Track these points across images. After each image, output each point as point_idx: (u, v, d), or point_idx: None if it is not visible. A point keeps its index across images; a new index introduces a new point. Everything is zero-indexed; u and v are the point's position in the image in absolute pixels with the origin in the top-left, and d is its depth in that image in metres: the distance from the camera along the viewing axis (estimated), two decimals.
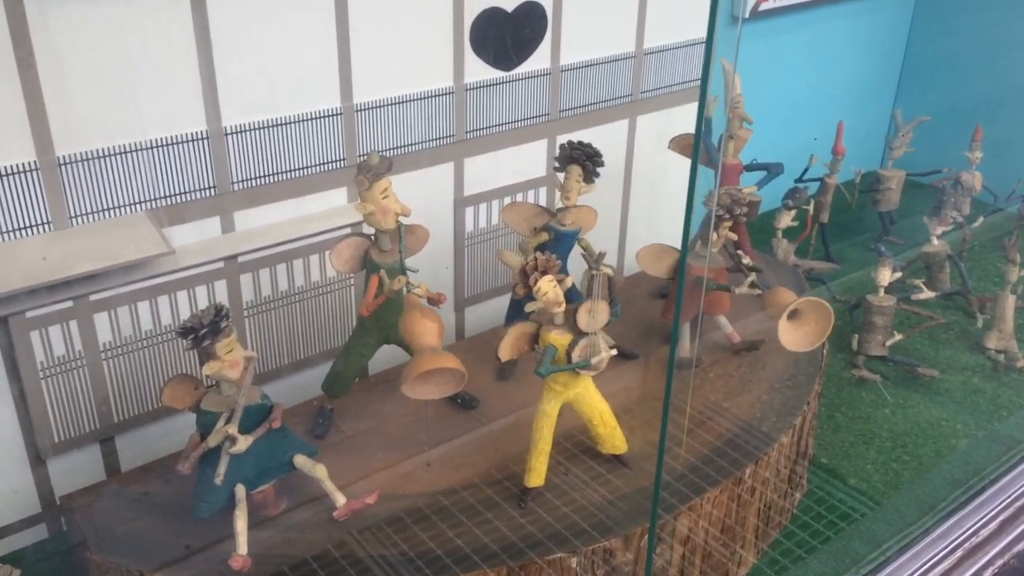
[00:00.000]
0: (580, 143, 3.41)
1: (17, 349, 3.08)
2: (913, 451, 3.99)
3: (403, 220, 3.09)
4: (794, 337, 3.26)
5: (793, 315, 3.23)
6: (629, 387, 3.58)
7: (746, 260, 3.60)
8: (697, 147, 1.94)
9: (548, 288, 2.81)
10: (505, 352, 2.92)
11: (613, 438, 3.14)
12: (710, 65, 1.91)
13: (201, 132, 3.22)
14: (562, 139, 4.08)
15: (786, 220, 4.89)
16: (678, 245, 3.90)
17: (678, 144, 4.10)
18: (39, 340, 3.12)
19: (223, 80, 3.19)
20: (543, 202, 4.27)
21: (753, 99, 4.11)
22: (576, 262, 3.50)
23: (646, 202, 4.75)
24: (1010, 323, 4.57)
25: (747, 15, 4.65)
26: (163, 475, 3.13)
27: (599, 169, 3.44)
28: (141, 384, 3.39)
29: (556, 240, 3.44)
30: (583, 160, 3.38)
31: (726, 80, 3.87)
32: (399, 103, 3.66)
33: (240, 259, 3.44)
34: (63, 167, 3.00)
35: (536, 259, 2.84)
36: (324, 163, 3.55)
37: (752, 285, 3.49)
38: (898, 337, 4.42)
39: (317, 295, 3.72)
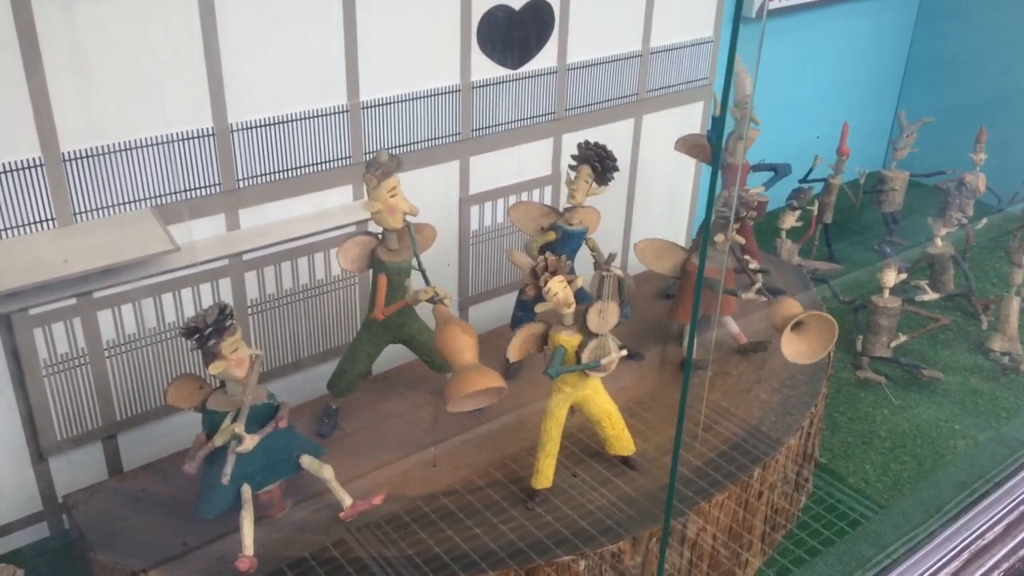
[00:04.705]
0: (596, 144, 3.39)
1: (20, 346, 3.06)
2: (913, 452, 3.99)
3: (410, 219, 3.07)
4: (797, 349, 3.25)
5: (797, 327, 3.22)
6: (632, 388, 3.57)
7: (753, 264, 3.58)
8: (718, 149, 1.92)
9: (558, 289, 2.80)
10: (514, 353, 2.91)
11: (621, 440, 3.13)
12: (732, 65, 1.89)
13: (207, 129, 3.19)
14: (568, 138, 4.07)
15: (790, 220, 4.89)
16: (682, 243, 3.89)
17: (684, 144, 4.09)
18: (42, 337, 3.09)
19: (229, 77, 3.17)
20: (548, 201, 4.26)
21: (757, 99, 4.10)
22: (582, 262, 3.49)
23: (651, 201, 4.74)
24: (1014, 326, 4.58)
25: (753, 15, 4.63)
26: (163, 473, 3.11)
27: (609, 175, 3.42)
28: (144, 382, 3.37)
29: (563, 240, 3.42)
30: (593, 160, 3.37)
31: (737, 80, 3.86)
32: (405, 101, 3.63)
33: (245, 256, 3.42)
34: (68, 163, 2.97)
35: (546, 259, 2.83)
36: (330, 161, 3.52)
37: (758, 292, 3.48)
38: (903, 339, 4.43)
39: (322, 293, 3.70)
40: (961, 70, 6.28)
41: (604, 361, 2.85)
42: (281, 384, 3.69)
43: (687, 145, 4.07)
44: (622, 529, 2.92)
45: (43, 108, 2.87)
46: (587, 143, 3.39)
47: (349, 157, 3.57)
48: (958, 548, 3.16)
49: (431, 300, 2.96)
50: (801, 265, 5.02)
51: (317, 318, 3.73)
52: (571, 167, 3.44)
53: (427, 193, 3.69)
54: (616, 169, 3.41)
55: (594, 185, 3.40)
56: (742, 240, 3.58)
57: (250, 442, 2.67)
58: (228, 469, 2.65)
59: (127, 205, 3.14)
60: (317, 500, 2.95)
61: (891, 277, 4.34)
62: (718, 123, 3.88)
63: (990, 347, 4.61)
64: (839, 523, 3.57)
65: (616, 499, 3.05)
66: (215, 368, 2.63)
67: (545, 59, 3.98)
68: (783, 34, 5.61)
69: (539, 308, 2.86)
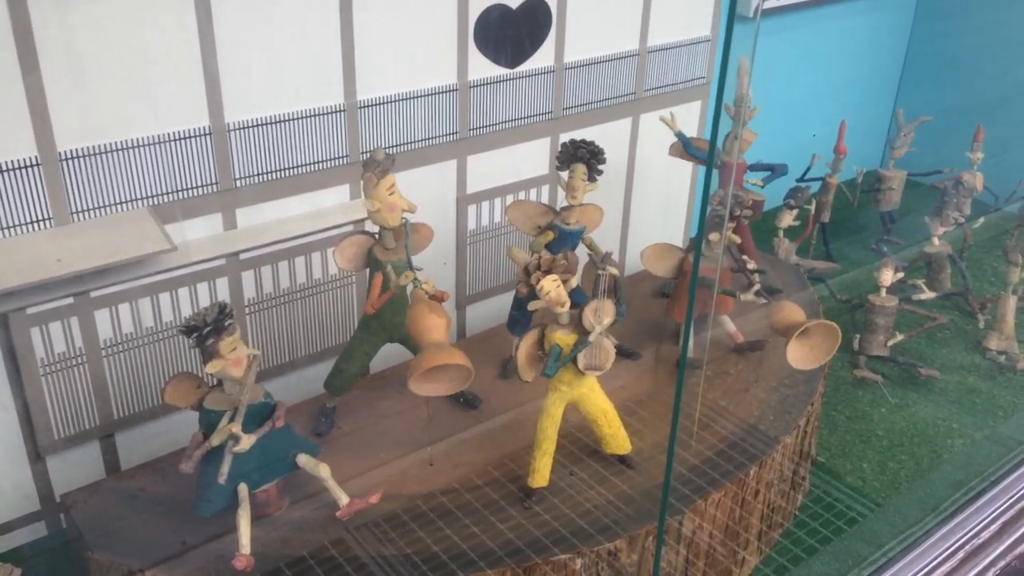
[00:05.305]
0: (583, 141, 3.39)
1: (18, 346, 3.06)
2: (910, 451, 4.00)
3: (408, 217, 3.08)
4: (800, 354, 3.26)
5: (801, 333, 3.24)
6: (630, 387, 3.58)
7: (751, 265, 3.59)
8: (713, 147, 1.93)
9: (551, 287, 2.79)
10: (526, 372, 2.90)
11: (617, 438, 3.14)
12: (727, 64, 1.89)
13: (204, 128, 3.19)
14: (566, 137, 4.07)
15: (788, 219, 4.89)
16: (678, 243, 3.90)
17: (677, 149, 4.08)
18: (40, 337, 3.10)
19: (226, 77, 3.17)
20: (545, 200, 4.26)
21: (755, 97, 4.10)
22: (580, 261, 3.49)
23: (648, 200, 4.74)
24: (1011, 324, 4.58)
25: (751, 14, 4.64)
26: (161, 472, 3.12)
27: (600, 167, 3.43)
28: (142, 381, 3.37)
29: (561, 239, 3.43)
30: (587, 158, 3.37)
31: (739, 79, 3.86)
32: (403, 100, 3.64)
33: (242, 256, 3.42)
34: (65, 162, 2.97)
35: (540, 257, 2.82)
36: (327, 160, 3.52)
37: (757, 294, 3.49)
38: (900, 337, 4.43)
39: (319, 292, 3.70)
40: (959, 69, 6.28)
41: (591, 337, 2.78)
42: (278, 383, 3.69)
43: (680, 150, 4.07)
44: (619, 527, 2.92)
45: (39, 107, 2.87)
46: (573, 142, 3.39)
47: (346, 156, 3.57)
48: (954, 546, 3.16)
49: (414, 284, 2.96)
50: (799, 264, 5.03)
51: (314, 317, 3.73)
52: (558, 168, 3.44)
53: (424, 192, 3.69)
54: (604, 162, 3.41)
55: (587, 182, 3.40)
56: (738, 239, 3.58)
57: (247, 442, 2.67)
58: (225, 469, 2.66)
59: (124, 204, 3.14)
60: (315, 499, 2.95)
61: (888, 276, 4.35)
62: (683, 138, 3.89)
63: (987, 346, 4.61)
64: (836, 521, 3.57)
65: (613, 497, 3.05)
66: (213, 367, 2.64)
67: (542, 58, 3.98)
68: (780, 33, 5.61)
69: (532, 306, 2.86)
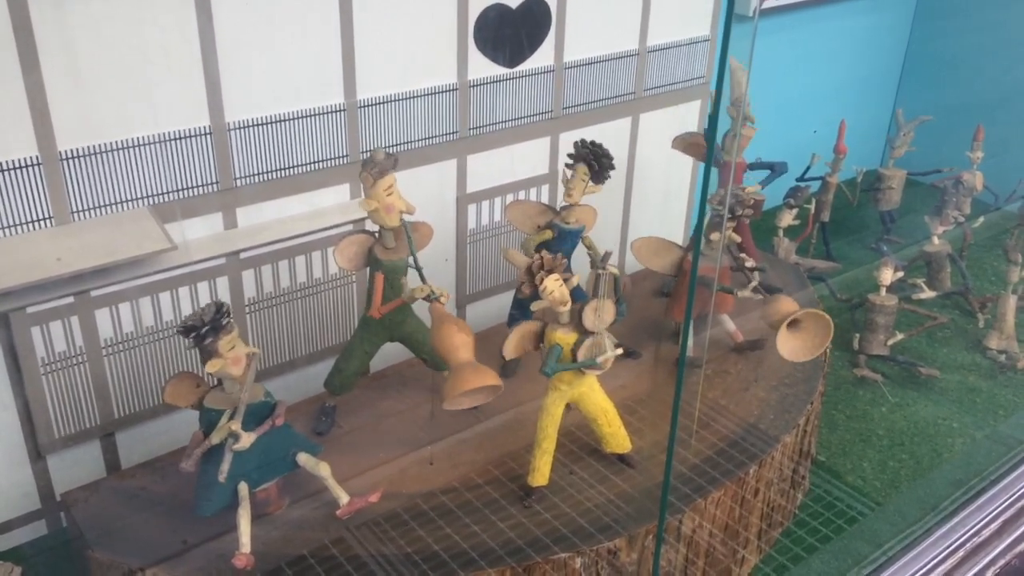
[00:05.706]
0: (593, 143, 3.40)
1: (18, 345, 3.06)
2: (911, 450, 4.00)
3: (407, 217, 3.08)
4: (792, 346, 3.26)
5: (792, 325, 3.23)
6: (630, 386, 3.58)
7: (749, 263, 3.59)
8: (712, 145, 1.93)
9: (554, 287, 2.80)
10: (509, 351, 2.91)
11: (617, 437, 3.14)
12: (725, 64, 1.90)
13: (204, 128, 3.20)
14: (565, 136, 4.08)
15: (787, 219, 4.90)
16: (678, 242, 3.90)
17: (681, 143, 4.09)
18: (40, 336, 3.10)
19: (227, 76, 3.17)
20: (545, 200, 4.26)
21: (754, 97, 4.11)
22: (579, 260, 3.50)
23: (649, 200, 4.75)
24: (1011, 323, 4.59)
25: (750, 14, 4.64)
26: (161, 471, 3.12)
27: (608, 173, 3.43)
28: (142, 380, 3.38)
29: (560, 238, 3.43)
30: (590, 159, 3.37)
31: (733, 78, 3.86)
32: (403, 99, 3.64)
33: (242, 255, 3.43)
34: (65, 162, 2.98)
35: (542, 258, 2.83)
36: (327, 159, 3.53)
37: (754, 290, 3.50)
38: (900, 336, 4.43)
39: (319, 292, 3.71)
40: (959, 68, 6.29)
41: (600, 359, 2.86)
42: (279, 382, 3.70)
43: (684, 143, 4.08)
44: (619, 526, 2.92)
45: (40, 107, 2.88)
46: (583, 142, 3.40)
47: (346, 156, 3.57)
48: (954, 545, 3.16)
49: (427, 298, 2.97)
50: (799, 263, 5.04)
51: (314, 316, 3.74)
52: (567, 166, 3.45)
53: (424, 191, 3.71)
54: (612, 167, 3.42)
55: (591, 183, 3.41)
56: (738, 238, 3.59)
57: (247, 440, 2.67)
58: (225, 467, 2.66)
59: (124, 204, 3.14)
60: (315, 498, 2.96)
61: (888, 275, 4.35)
62: (712, 121, 3.89)
63: (987, 345, 4.62)
64: (836, 520, 3.58)
65: (613, 496, 3.06)
66: (212, 366, 2.64)
67: (542, 57, 3.99)
68: (780, 32, 5.62)
69: (535, 306, 2.87)
